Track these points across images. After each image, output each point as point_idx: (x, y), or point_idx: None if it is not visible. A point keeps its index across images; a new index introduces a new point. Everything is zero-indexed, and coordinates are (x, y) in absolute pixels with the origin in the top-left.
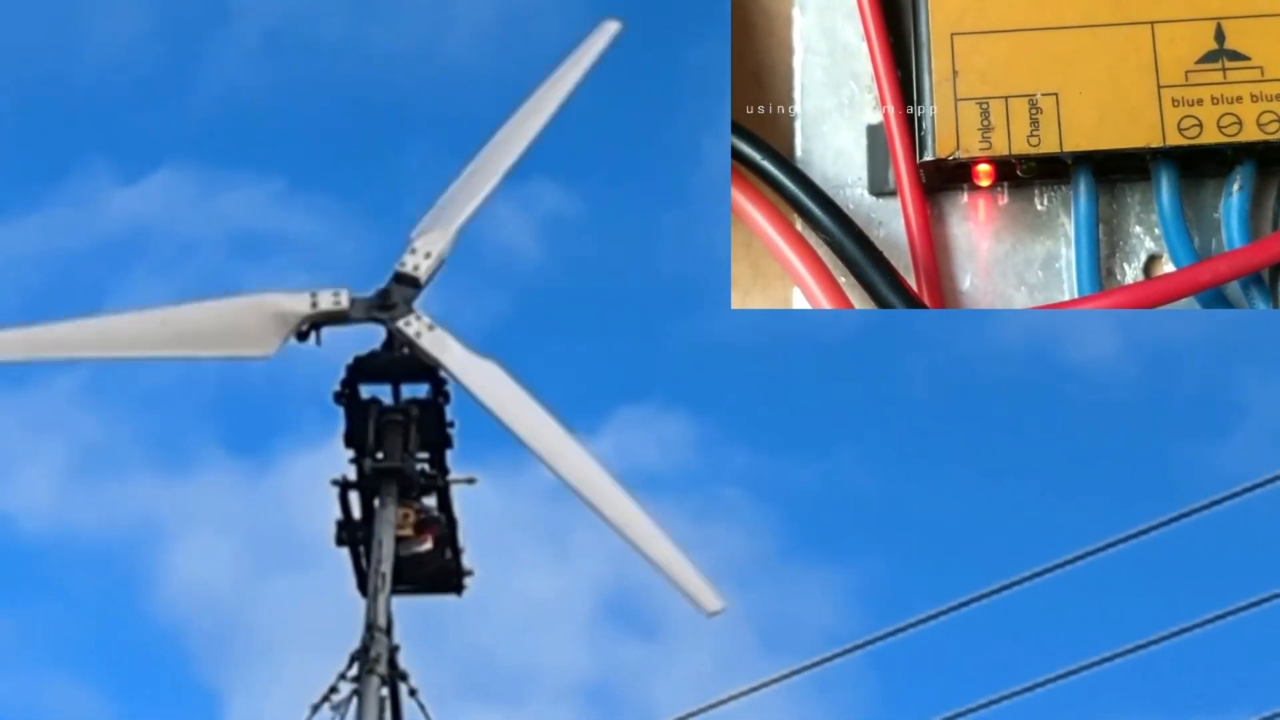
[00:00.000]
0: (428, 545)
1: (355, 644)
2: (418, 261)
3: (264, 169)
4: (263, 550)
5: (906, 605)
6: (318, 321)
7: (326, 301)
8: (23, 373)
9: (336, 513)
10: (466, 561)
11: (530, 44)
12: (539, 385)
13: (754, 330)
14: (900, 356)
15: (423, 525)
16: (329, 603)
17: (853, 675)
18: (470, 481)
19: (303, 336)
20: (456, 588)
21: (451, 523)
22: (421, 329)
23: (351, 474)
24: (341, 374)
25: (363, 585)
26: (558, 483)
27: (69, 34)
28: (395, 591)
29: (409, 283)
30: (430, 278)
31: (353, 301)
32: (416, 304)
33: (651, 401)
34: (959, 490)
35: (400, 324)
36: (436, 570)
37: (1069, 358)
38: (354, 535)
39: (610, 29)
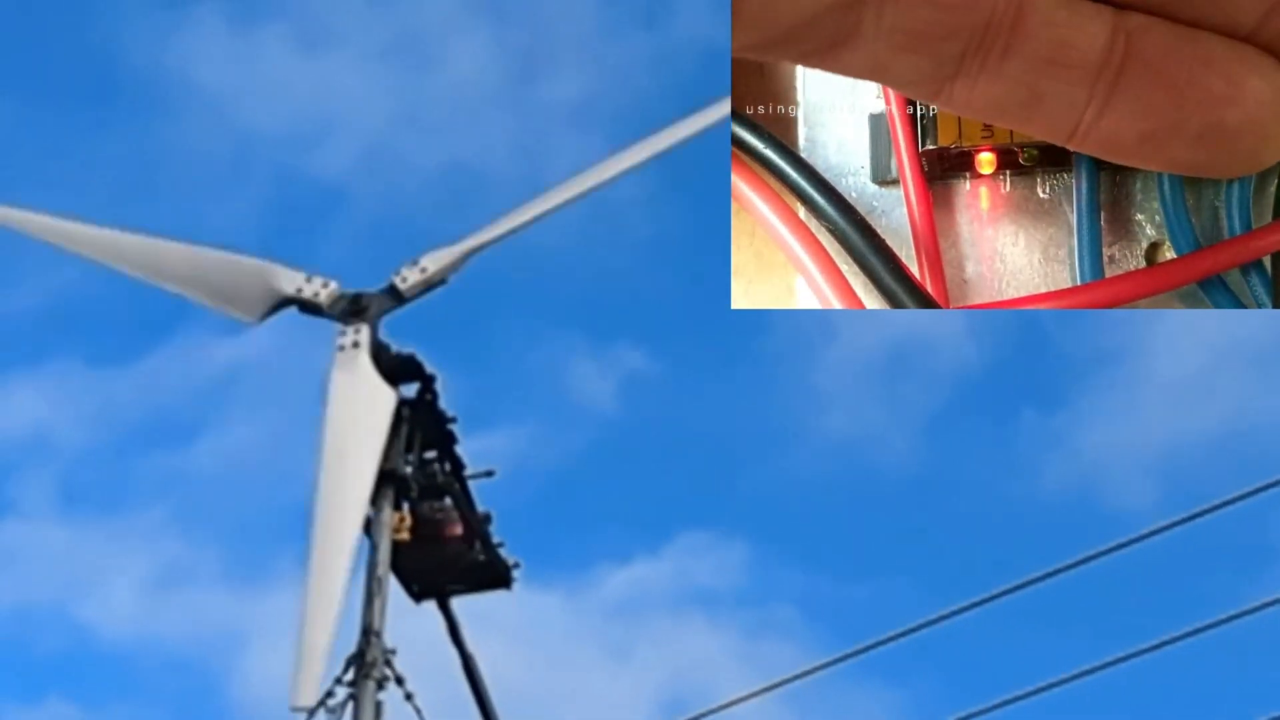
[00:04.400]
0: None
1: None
2: (410, 274)
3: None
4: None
5: None
6: (297, 305)
7: (311, 289)
8: (115, 499)
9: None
10: (509, 555)
11: (615, 232)
12: (605, 508)
13: (811, 472)
14: (944, 500)
15: (439, 524)
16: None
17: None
18: (489, 475)
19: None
20: (505, 582)
21: (470, 517)
22: (347, 343)
23: None
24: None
25: (411, 594)
26: (622, 599)
27: (191, 209)
28: (450, 593)
29: (394, 295)
30: (418, 294)
31: (334, 298)
32: (389, 317)
33: (712, 528)
34: (1004, 610)
35: (340, 331)
36: (469, 568)
37: (1108, 502)
38: None
39: (721, 109)
